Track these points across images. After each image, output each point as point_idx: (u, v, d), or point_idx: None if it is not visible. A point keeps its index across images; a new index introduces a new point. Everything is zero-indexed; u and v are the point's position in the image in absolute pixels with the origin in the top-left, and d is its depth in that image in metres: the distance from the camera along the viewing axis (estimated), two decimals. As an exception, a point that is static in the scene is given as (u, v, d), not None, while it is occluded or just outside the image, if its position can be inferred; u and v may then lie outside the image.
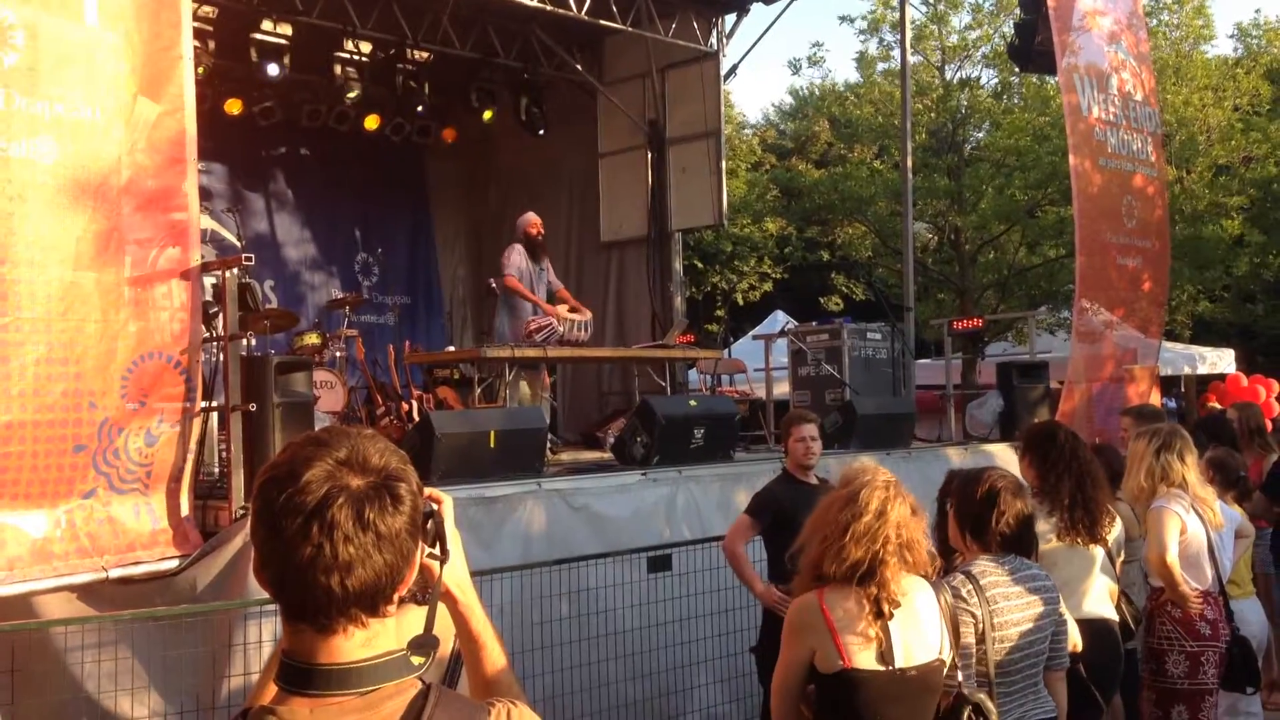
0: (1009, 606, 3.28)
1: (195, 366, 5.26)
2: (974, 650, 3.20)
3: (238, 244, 8.19)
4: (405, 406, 8.41)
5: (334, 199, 12.66)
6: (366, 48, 11.27)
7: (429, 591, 1.60)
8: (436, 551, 1.60)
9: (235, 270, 5.75)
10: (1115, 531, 4.37)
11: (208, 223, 6.89)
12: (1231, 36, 26.31)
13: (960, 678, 3.12)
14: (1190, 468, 4.76)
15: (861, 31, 22.04)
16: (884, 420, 8.53)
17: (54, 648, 4.82)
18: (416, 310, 13.22)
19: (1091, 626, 3.99)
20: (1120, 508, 4.74)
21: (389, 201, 13.07)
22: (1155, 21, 21.25)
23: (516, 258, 8.89)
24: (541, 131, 12.41)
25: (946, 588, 3.19)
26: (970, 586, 3.25)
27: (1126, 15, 10.60)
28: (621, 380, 11.24)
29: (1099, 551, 4.24)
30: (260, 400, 5.52)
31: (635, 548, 6.05)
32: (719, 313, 27.25)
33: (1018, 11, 12.08)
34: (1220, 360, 18.48)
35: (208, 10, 9.75)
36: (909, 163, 11.67)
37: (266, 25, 10.19)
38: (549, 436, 7.64)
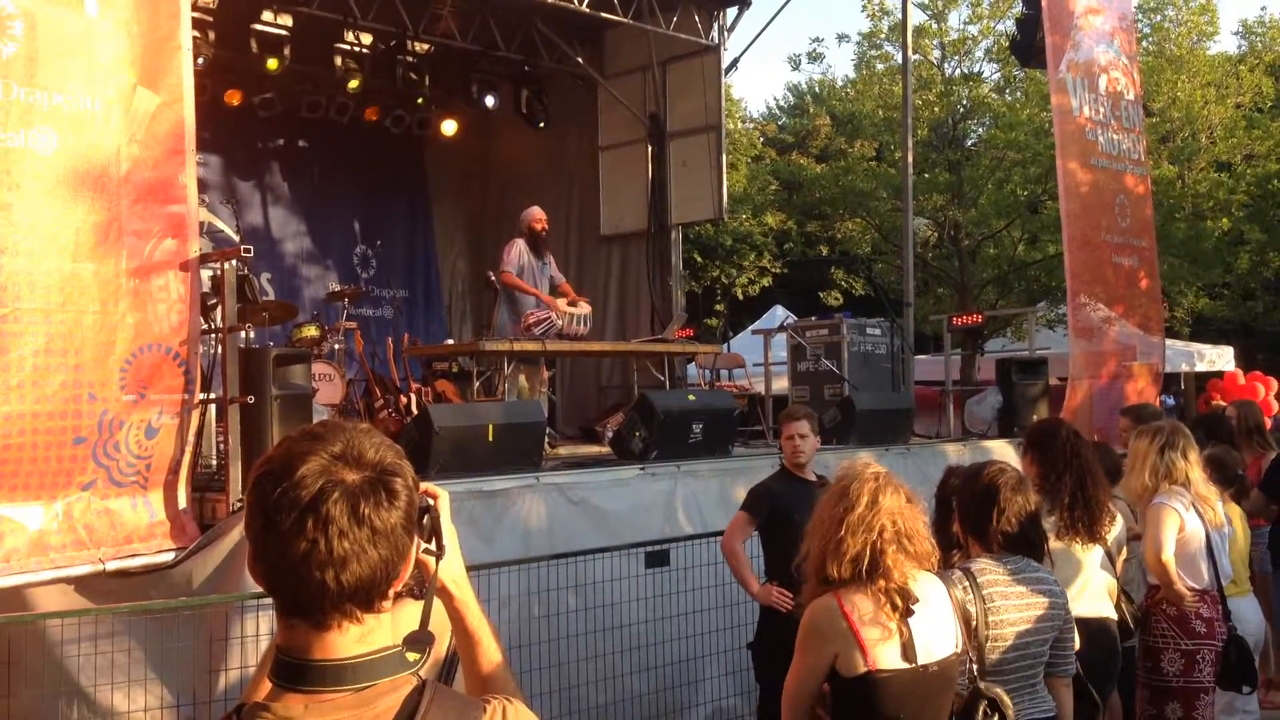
0: (1006, 606, 3.23)
1: (194, 359, 5.25)
2: (971, 652, 3.18)
3: (234, 237, 8.17)
4: (404, 399, 8.41)
5: (333, 191, 12.64)
6: (367, 39, 11.24)
7: (425, 587, 1.59)
8: (432, 547, 1.60)
9: (234, 262, 5.74)
10: (1115, 530, 4.37)
11: (204, 216, 6.88)
12: (1235, 33, 26.32)
13: (972, 670, 3.10)
14: (1193, 465, 4.76)
15: (859, 44, 22.13)
16: (883, 416, 8.53)
17: (49, 640, 4.82)
18: (415, 303, 13.21)
19: (1090, 625, 3.99)
20: (1119, 506, 4.74)
21: (388, 194, 13.05)
22: (1160, 17, 21.24)
23: (516, 253, 8.87)
24: (542, 124, 12.39)
25: (953, 581, 3.17)
26: (966, 583, 3.22)
27: (1118, 16, 10.57)
28: (620, 374, 11.22)
29: (1098, 550, 4.23)
30: (258, 393, 5.51)
31: (634, 542, 6.05)
32: (718, 307, 27.19)
33: (1019, 7, 12.06)
34: (1219, 358, 18.48)
35: (208, 1, 9.72)
36: (909, 158, 11.65)
37: (267, 16, 10.17)
38: (547, 430, 7.64)
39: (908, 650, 2.85)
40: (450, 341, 11.66)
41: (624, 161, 12.12)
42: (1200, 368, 18.29)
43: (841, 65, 59.38)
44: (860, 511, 2.92)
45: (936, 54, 21.08)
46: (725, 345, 13.56)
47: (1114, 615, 4.34)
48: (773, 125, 32.21)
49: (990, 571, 3.30)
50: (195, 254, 5.28)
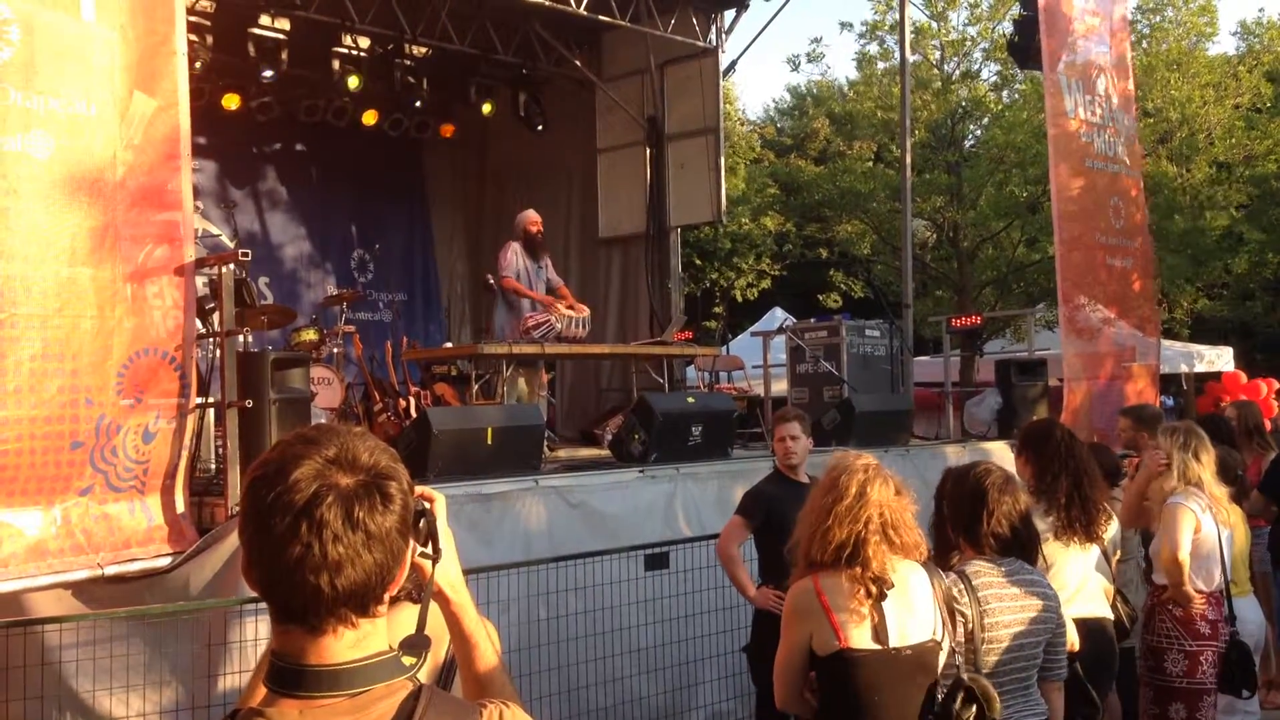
0: (1001, 608, 3.24)
1: (189, 363, 5.24)
2: (962, 650, 3.18)
3: (229, 244, 8.17)
4: (403, 403, 8.39)
5: (331, 194, 12.65)
6: (365, 43, 11.24)
7: (422, 590, 1.58)
8: (429, 550, 1.60)
9: (231, 266, 5.73)
10: (1111, 530, 4.36)
11: (199, 223, 6.87)
12: (1234, 34, 26.35)
13: (959, 663, 3.12)
14: (1206, 467, 4.75)
15: (861, 36, 22.09)
16: (882, 417, 8.52)
17: (46, 645, 4.80)
18: (414, 306, 13.21)
19: (1087, 625, 3.98)
20: (1116, 506, 4.73)
21: (387, 197, 13.05)
22: (1159, 18, 21.26)
23: (511, 257, 8.87)
24: (540, 127, 12.38)
25: (942, 575, 3.19)
26: (962, 586, 3.22)
27: (1111, 20, 10.56)
28: (620, 377, 11.22)
29: (1095, 550, 4.23)
30: (257, 396, 5.51)
31: (633, 545, 6.04)
32: (717, 309, 27.20)
33: (1017, 9, 12.07)
34: (1218, 358, 18.48)
35: (205, 5, 9.72)
36: (908, 159, 11.65)
37: (264, 20, 10.17)
38: (546, 433, 7.63)
39: (879, 632, 2.96)
40: (449, 345, 11.66)
41: (622, 164, 12.13)
42: (1199, 368, 18.29)
43: (841, 66, 59.48)
44: (848, 502, 3.03)
45: (936, 55, 21.09)
46: (724, 347, 13.56)
47: (1111, 615, 4.33)
48: (771, 128, 32.22)
49: (985, 574, 3.30)
50: (190, 259, 5.27)
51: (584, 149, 12.48)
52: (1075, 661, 3.63)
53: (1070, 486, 4.15)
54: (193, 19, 9.13)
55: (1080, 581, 4.18)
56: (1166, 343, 16.99)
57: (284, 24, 10.24)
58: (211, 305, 6.11)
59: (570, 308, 8.82)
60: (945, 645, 3.09)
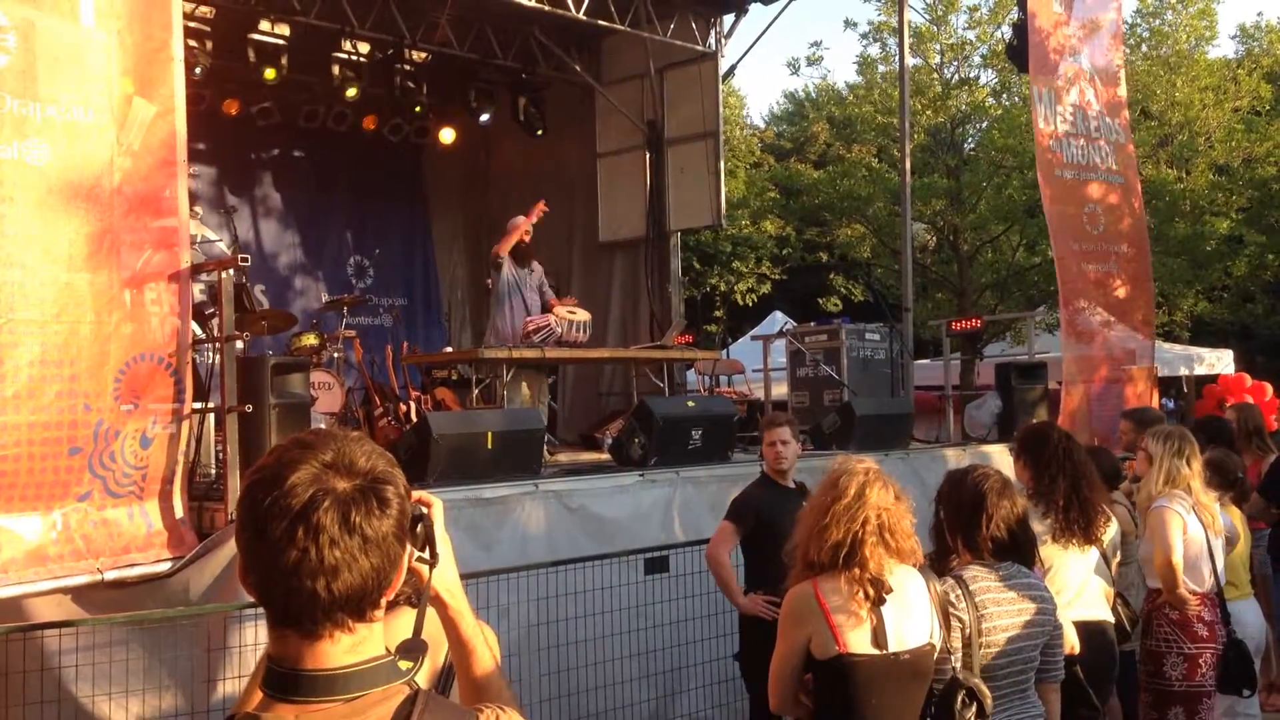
0: (998, 611, 3.25)
1: (185, 368, 5.24)
2: (959, 654, 3.18)
3: (227, 250, 8.17)
4: (403, 407, 8.39)
5: (332, 199, 12.66)
6: (365, 48, 11.24)
7: (420, 595, 1.58)
8: (426, 555, 1.59)
9: (230, 271, 5.73)
10: (1110, 532, 4.36)
11: (195, 229, 6.87)
12: (1234, 37, 26.38)
13: (954, 664, 3.14)
14: (1195, 475, 4.75)
15: (864, 36, 22.08)
16: (882, 421, 8.52)
17: (46, 651, 4.80)
18: (414, 311, 13.21)
19: (1087, 628, 3.98)
20: (1116, 509, 4.73)
21: (387, 202, 13.05)
22: (1159, 21, 21.27)
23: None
24: (540, 132, 12.39)
25: (937, 578, 3.21)
26: (959, 591, 3.23)
27: (1099, 26, 10.52)
28: (620, 381, 11.22)
29: (1094, 553, 4.23)
30: (257, 401, 5.51)
31: (632, 549, 6.03)
32: (717, 313, 27.21)
33: (1015, 13, 12.07)
34: (1219, 361, 18.48)
35: (205, 10, 9.72)
36: (907, 163, 11.66)
37: (264, 25, 10.17)
38: (547, 437, 7.62)
39: (878, 636, 2.97)
40: (449, 349, 11.66)
41: (622, 168, 12.14)
42: (1200, 371, 18.29)
43: (841, 69, 59.56)
44: (846, 502, 3.05)
45: (937, 59, 21.08)
46: (724, 351, 13.55)
47: (1111, 618, 4.33)
48: (770, 131, 32.24)
49: (983, 579, 3.31)
50: (186, 265, 5.28)
51: (584, 153, 12.49)
52: (1076, 664, 3.64)
53: (1068, 489, 4.15)
54: (193, 25, 9.15)
55: (1080, 584, 4.18)
56: (1167, 345, 17.02)
57: (284, 29, 10.24)
58: (211, 310, 6.11)
59: (571, 311, 8.79)
60: (939, 648, 3.11)
